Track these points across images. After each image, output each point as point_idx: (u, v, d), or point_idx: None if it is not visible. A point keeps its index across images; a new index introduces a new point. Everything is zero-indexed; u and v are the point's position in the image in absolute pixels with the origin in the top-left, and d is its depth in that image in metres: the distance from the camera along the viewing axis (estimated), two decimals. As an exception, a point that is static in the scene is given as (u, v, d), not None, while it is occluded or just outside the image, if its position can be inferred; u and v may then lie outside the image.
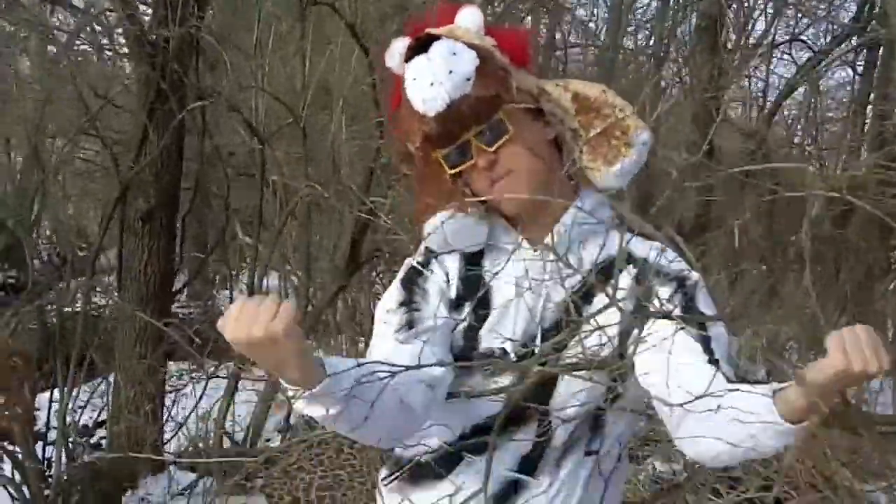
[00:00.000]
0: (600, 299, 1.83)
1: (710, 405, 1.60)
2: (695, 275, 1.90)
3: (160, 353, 5.82)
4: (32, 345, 6.68)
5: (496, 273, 1.89)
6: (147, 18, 5.90)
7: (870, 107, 8.39)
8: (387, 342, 1.84)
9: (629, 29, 10.25)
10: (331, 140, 5.08)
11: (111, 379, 5.88)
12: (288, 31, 5.51)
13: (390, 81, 1.98)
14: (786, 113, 9.34)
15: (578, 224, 1.90)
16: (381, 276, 6.64)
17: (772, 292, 7.38)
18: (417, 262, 1.97)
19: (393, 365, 1.60)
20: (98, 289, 7.46)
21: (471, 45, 1.85)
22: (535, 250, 1.91)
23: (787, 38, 8.10)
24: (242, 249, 8.38)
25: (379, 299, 1.94)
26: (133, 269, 6.11)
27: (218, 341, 6.16)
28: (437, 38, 1.85)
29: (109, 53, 9.32)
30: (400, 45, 1.91)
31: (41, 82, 8.66)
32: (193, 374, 7.31)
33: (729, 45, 8.14)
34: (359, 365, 1.60)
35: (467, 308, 1.89)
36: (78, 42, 9.14)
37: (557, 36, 10.50)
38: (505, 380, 1.83)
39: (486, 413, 1.87)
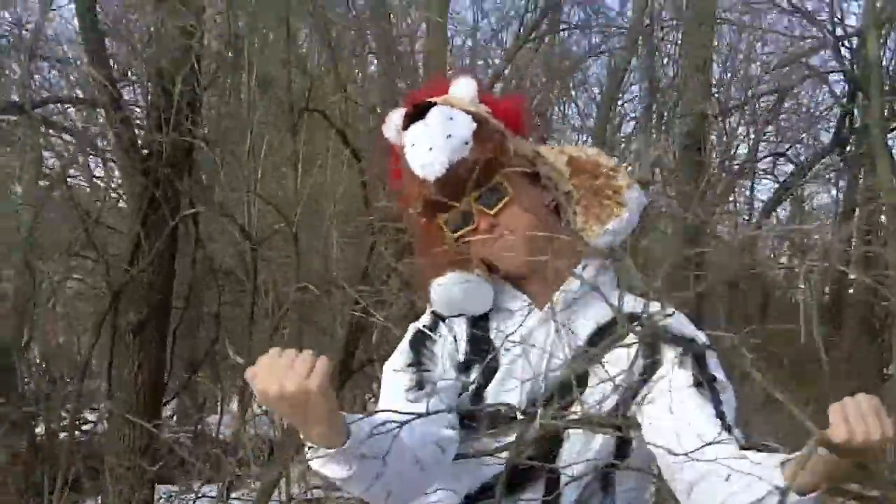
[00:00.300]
0: (610, 357, 1.80)
1: (721, 470, 1.60)
2: (702, 336, 1.90)
3: (150, 475, 5.73)
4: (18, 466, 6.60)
5: (509, 335, 1.89)
6: (139, 123, 6.07)
7: (854, 220, 8.52)
8: (397, 402, 1.81)
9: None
10: (323, 241, 5.13)
11: (99, 501, 5.80)
12: (280, 137, 5.62)
13: (389, 153, 2.02)
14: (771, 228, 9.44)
15: (583, 287, 1.91)
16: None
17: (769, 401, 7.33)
18: (424, 326, 1.98)
19: (408, 413, 1.60)
20: (85, 402, 7.38)
21: (466, 111, 1.90)
22: (541, 311, 1.92)
23: (770, 154, 8.28)
24: (234, 369, 8.34)
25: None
26: (123, 381, 6.09)
27: (208, 463, 6.06)
28: (433, 105, 1.90)
29: (101, 175, 9.44)
30: (397, 115, 1.96)
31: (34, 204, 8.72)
32: (183, 496, 7.19)
33: (713, 163, 8.30)
34: (382, 424, 1.57)
35: (476, 370, 1.89)
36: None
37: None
38: (510, 439, 1.78)
39: (491, 474, 1.84)
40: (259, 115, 5.40)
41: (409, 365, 1.90)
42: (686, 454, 1.57)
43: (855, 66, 7.51)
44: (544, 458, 1.80)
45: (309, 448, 1.56)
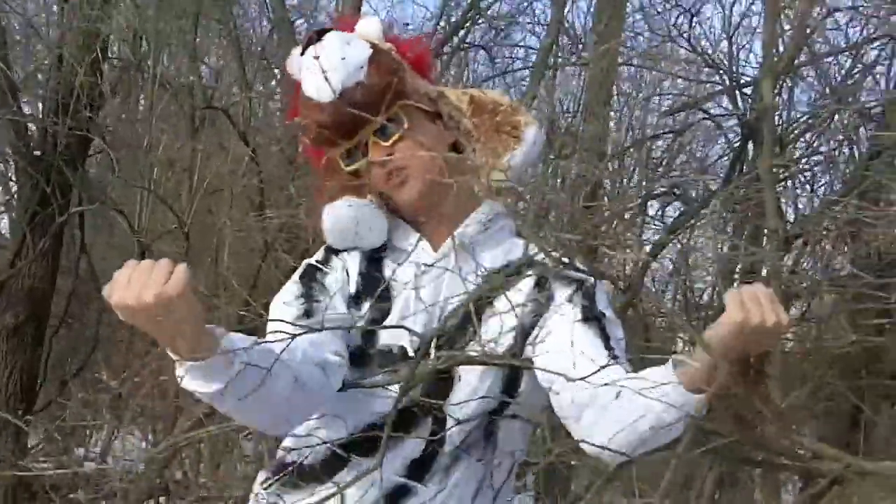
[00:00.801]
0: (501, 302, 1.84)
1: (610, 392, 1.60)
2: (592, 279, 1.92)
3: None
4: None
5: (398, 265, 1.87)
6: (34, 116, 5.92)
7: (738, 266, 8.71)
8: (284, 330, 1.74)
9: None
10: (215, 242, 5.05)
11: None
12: (178, 134, 5.55)
13: (291, 91, 1.98)
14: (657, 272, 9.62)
15: (480, 231, 1.92)
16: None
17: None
18: (316, 260, 1.94)
19: (295, 325, 1.54)
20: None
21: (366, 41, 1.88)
22: (436, 251, 1.91)
23: (661, 192, 8.45)
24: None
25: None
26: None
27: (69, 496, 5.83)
28: (323, 31, 1.88)
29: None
30: (295, 52, 1.93)
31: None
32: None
33: (605, 203, 8.42)
34: (257, 343, 1.53)
35: (367, 305, 1.86)
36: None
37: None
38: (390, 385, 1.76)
39: (377, 411, 1.81)
40: (159, 112, 5.31)
41: (298, 297, 1.87)
42: (583, 379, 1.53)
43: (749, 113, 7.73)
44: (434, 397, 1.78)
45: (176, 363, 1.49)
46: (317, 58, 1.83)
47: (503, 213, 1.96)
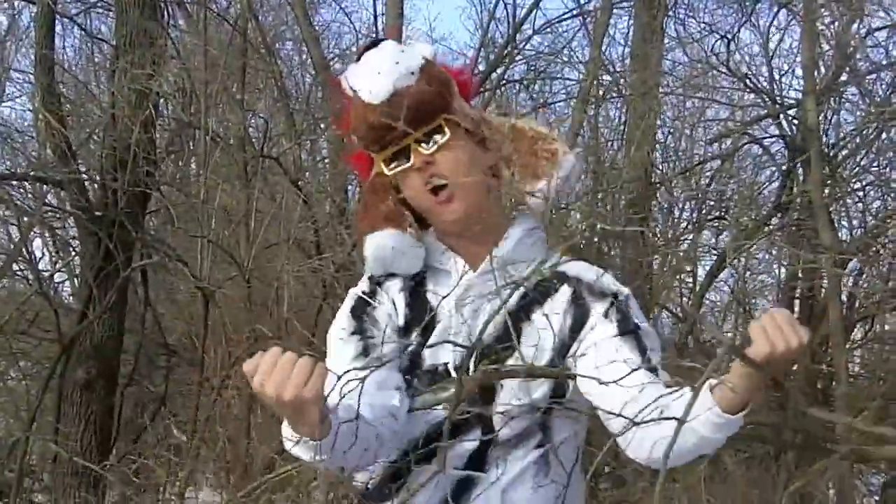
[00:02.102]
0: (538, 316, 1.94)
1: (654, 412, 1.64)
2: (625, 289, 2.01)
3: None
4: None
5: (444, 297, 1.96)
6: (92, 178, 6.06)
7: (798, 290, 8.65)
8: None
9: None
10: (275, 289, 5.14)
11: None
12: (234, 185, 5.67)
13: (345, 105, 2.06)
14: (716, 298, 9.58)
15: (517, 247, 2.00)
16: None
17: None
18: (363, 293, 2.02)
19: (363, 369, 1.65)
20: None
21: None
22: (474, 271, 1.98)
23: (714, 217, 8.45)
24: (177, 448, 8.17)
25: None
26: (70, 440, 5.97)
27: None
28: (381, 40, 2.02)
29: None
30: (353, 65, 2.02)
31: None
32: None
33: (657, 233, 8.43)
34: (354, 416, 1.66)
35: (415, 332, 1.96)
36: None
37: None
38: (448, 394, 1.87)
39: (428, 428, 1.91)
40: (213, 163, 5.44)
41: (353, 333, 1.97)
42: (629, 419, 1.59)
43: (795, 135, 7.72)
44: (481, 405, 1.89)
45: (288, 434, 1.66)
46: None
47: (537, 228, 2.05)
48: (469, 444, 1.91)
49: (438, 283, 2.00)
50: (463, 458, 1.91)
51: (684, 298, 9.20)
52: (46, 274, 7.34)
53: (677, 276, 8.52)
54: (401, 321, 1.98)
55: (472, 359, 1.86)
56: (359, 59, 1.99)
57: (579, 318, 1.95)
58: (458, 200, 1.93)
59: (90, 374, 5.95)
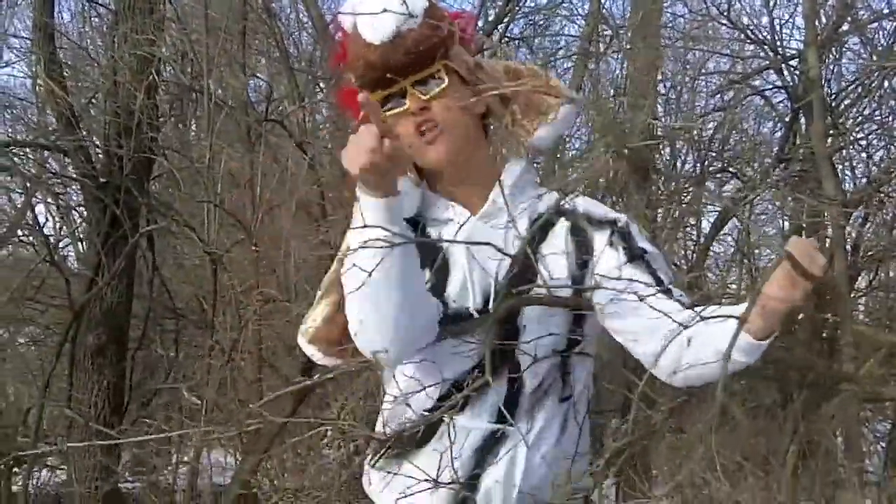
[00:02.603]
0: (547, 248, 1.99)
1: (681, 338, 1.74)
2: (623, 216, 2.05)
3: None
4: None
5: (455, 238, 1.96)
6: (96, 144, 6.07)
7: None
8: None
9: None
10: (282, 252, 5.16)
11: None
12: (238, 149, 5.67)
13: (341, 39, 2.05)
14: (720, 249, 9.60)
15: (513, 189, 2.02)
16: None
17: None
18: None
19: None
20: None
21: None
22: (478, 217, 2.01)
23: (717, 168, 8.44)
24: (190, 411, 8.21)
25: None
26: (83, 405, 6.03)
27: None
28: None
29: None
30: (351, 3, 2.00)
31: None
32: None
33: (660, 183, 8.43)
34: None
35: (428, 272, 1.96)
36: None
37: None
38: (464, 347, 1.92)
39: (456, 374, 1.95)
40: (218, 127, 5.44)
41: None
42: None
43: (797, 86, 7.69)
44: (502, 359, 1.91)
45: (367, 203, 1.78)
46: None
47: (529, 172, 2.08)
48: (496, 394, 1.94)
49: (441, 233, 2.03)
50: (492, 410, 1.95)
51: (689, 252, 9.25)
52: (53, 241, 7.34)
53: (681, 229, 8.56)
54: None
55: (496, 298, 1.91)
56: None
57: (583, 250, 2.00)
58: (442, 143, 1.96)
59: (101, 339, 6.00)
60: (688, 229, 9.00)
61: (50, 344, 9.23)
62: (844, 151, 7.95)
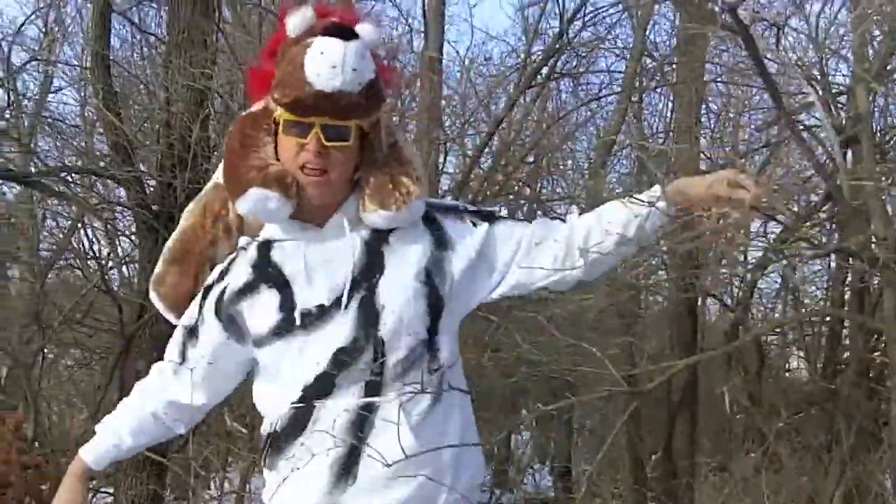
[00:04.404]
0: (394, 239, 2.22)
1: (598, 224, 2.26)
2: (457, 203, 2.50)
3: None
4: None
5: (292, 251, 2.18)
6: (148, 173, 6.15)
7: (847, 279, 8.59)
8: (166, 359, 2.39)
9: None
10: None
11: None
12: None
13: (274, 37, 2.28)
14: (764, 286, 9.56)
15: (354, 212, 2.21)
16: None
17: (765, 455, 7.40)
18: (208, 284, 2.27)
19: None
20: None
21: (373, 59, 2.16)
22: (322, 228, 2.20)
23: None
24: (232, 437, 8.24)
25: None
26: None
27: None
28: (354, 34, 2.12)
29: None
30: (309, 14, 2.18)
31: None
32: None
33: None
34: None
35: (264, 287, 2.18)
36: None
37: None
38: (319, 337, 2.14)
39: (324, 364, 2.14)
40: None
41: (186, 328, 2.30)
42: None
43: (845, 123, 7.65)
44: (367, 328, 2.14)
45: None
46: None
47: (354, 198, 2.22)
48: (362, 373, 2.13)
49: (282, 247, 2.20)
50: (361, 387, 2.14)
51: (734, 287, 9.22)
52: (101, 265, 7.43)
53: (726, 264, 8.51)
54: (239, 283, 2.20)
55: (347, 290, 2.13)
56: (324, 33, 2.10)
57: (438, 234, 2.25)
58: (323, 187, 2.14)
59: (150, 365, 6.05)
60: (733, 264, 8.95)
61: (94, 367, 9.35)
62: (894, 189, 7.89)
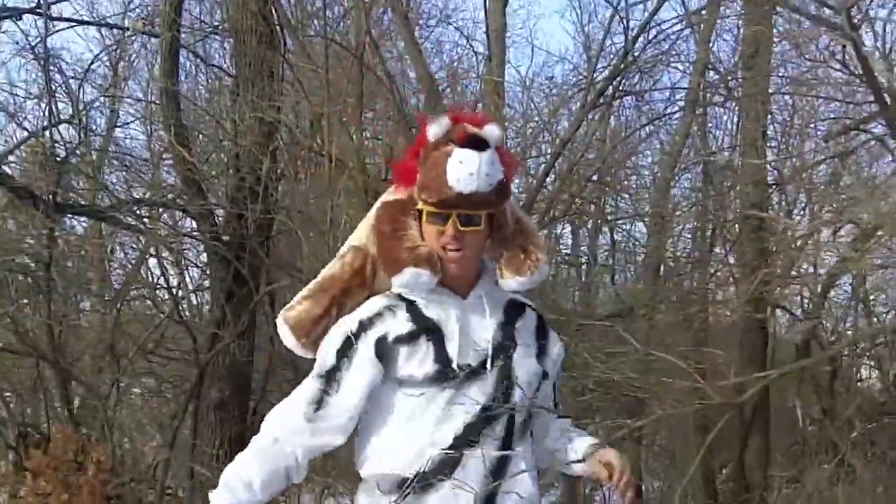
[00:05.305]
0: (519, 326, 2.74)
1: (557, 433, 2.86)
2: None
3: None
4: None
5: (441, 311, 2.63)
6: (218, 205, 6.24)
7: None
8: (298, 409, 2.65)
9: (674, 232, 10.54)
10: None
11: None
12: (359, 209, 5.77)
13: (417, 139, 2.72)
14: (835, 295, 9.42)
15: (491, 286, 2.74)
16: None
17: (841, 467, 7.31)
18: (351, 332, 2.61)
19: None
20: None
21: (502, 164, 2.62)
22: (464, 299, 2.67)
23: (832, 222, 8.28)
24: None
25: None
26: (206, 458, 6.17)
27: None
28: (487, 144, 2.58)
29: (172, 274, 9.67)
30: (446, 123, 2.63)
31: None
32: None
33: (775, 229, 8.33)
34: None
35: (423, 338, 2.58)
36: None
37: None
38: (469, 392, 2.58)
39: (467, 419, 2.58)
40: (338, 190, 5.56)
41: (321, 377, 2.62)
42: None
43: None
44: (504, 399, 2.62)
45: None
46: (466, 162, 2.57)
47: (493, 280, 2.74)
48: (498, 430, 2.62)
49: (436, 306, 2.62)
50: (497, 443, 2.62)
51: (804, 298, 9.12)
52: (174, 295, 7.54)
53: (796, 277, 8.44)
54: (402, 331, 2.58)
55: (491, 357, 2.62)
56: (462, 144, 2.56)
57: (543, 342, 2.79)
58: (461, 263, 2.63)
59: (224, 394, 6.14)
60: (803, 276, 8.86)
61: (166, 394, 9.47)
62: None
